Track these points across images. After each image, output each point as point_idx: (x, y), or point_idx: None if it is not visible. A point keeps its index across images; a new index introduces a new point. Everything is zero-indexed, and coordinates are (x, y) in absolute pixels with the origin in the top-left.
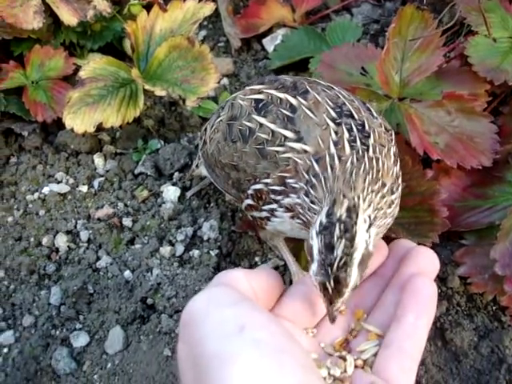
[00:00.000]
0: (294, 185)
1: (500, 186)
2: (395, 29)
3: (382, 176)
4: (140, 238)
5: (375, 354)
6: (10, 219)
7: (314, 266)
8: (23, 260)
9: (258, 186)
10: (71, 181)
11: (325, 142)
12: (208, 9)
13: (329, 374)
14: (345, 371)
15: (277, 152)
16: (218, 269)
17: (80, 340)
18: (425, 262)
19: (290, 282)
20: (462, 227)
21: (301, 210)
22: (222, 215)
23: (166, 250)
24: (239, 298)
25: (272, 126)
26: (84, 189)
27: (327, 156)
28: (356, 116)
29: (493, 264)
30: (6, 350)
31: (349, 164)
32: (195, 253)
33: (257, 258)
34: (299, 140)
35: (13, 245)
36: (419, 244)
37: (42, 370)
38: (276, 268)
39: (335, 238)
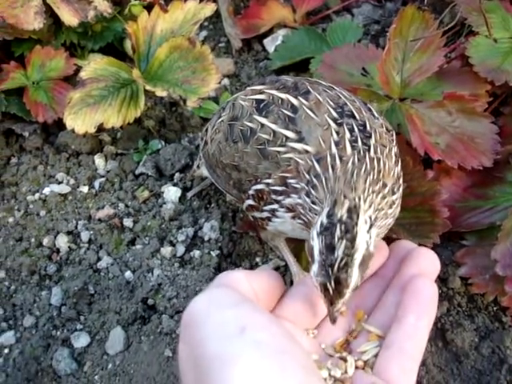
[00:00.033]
0: (295, 185)
1: (501, 187)
2: (396, 29)
3: (383, 176)
4: (141, 238)
5: (376, 355)
6: (10, 220)
7: (314, 267)
8: (24, 260)
9: (259, 187)
10: (72, 181)
11: (326, 143)
12: (209, 9)
13: (329, 374)
14: (345, 372)
15: (278, 152)
16: (218, 269)
17: (81, 340)
18: (425, 262)
19: (291, 283)
20: (463, 228)
21: (302, 211)
22: (222, 216)
23: (166, 250)
24: (240, 299)
25: (273, 127)
26: (85, 189)
27: (328, 156)
28: (357, 116)
29: (493, 264)
30: (6, 351)
31: (350, 164)
32: (196, 253)
33: (258, 259)
34: (300, 140)
35: (13, 245)
36: (420, 244)
37: (42, 371)
38: (277, 268)
39: (336, 239)
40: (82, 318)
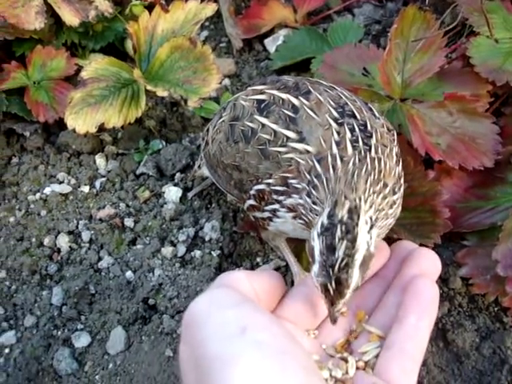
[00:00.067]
0: (296, 185)
1: (502, 187)
2: (397, 29)
3: (384, 176)
4: (142, 238)
5: (377, 356)
6: (11, 219)
7: (315, 267)
8: (25, 260)
9: (260, 187)
10: (73, 181)
11: (327, 143)
12: (210, 9)
13: (330, 375)
14: (346, 373)
15: (279, 152)
16: (219, 269)
17: (81, 340)
18: (427, 263)
19: (292, 283)
20: (464, 228)
21: (303, 211)
22: (223, 216)
23: (167, 250)
24: (241, 299)
25: (274, 127)
26: (86, 189)
27: (329, 156)
28: (358, 116)
29: (495, 265)
30: (7, 351)
31: (351, 165)
32: (197, 253)
33: (258, 259)
34: (301, 140)
35: (14, 245)
36: (421, 245)
37: (43, 371)
38: (277, 269)
39: (337, 240)
40: (82, 317)
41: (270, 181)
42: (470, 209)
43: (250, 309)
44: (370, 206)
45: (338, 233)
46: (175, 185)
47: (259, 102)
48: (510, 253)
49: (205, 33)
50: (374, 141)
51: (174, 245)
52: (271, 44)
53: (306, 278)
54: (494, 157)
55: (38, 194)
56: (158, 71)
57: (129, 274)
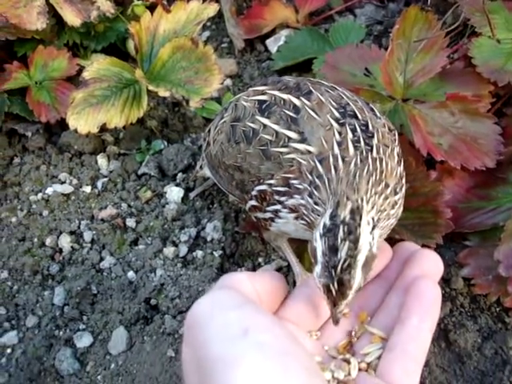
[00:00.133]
0: (297, 186)
1: (504, 188)
2: (399, 30)
3: (386, 177)
4: (143, 238)
5: (379, 357)
6: (13, 220)
7: (317, 268)
8: (27, 260)
9: (261, 187)
10: (75, 181)
11: (328, 143)
12: (211, 10)
13: (333, 376)
14: (349, 374)
15: (280, 153)
16: (221, 269)
17: (83, 340)
18: (429, 264)
19: (294, 283)
20: (466, 228)
21: (305, 211)
22: (225, 216)
23: (169, 250)
24: (243, 300)
25: (275, 127)
26: (87, 189)
27: (331, 157)
28: (359, 116)
29: (497, 265)
30: (9, 351)
31: (352, 166)
32: (199, 253)
33: (260, 259)
34: (303, 141)
35: (16, 245)
36: (423, 245)
37: (45, 371)
38: (279, 269)
39: (339, 240)
40: (84, 317)
41: (272, 181)
42: (471, 209)
43: (252, 310)
44: (372, 207)
45: (341, 233)
46: (177, 185)
47: (260, 102)
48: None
49: (206, 33)
50: (375, 141)
51: (175, 245)
52: (273, 44)
53: (308, 279)
54: (496, 157)
55: (39, 194)
56: (160, 71)
57: (131, 274)
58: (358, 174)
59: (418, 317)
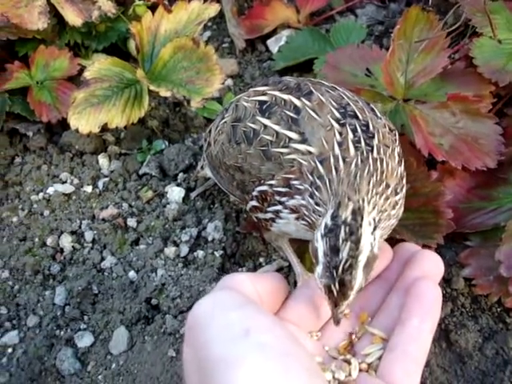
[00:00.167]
0: (298, 186)
1: (505, 188)
2: (400, 30)
3: (386, 177)
4: (144, 238)
5: (380, 358)
6: (14, 219)
7: (319, 269)
8: (28, 260)
9: (262, 188)
10: (76, 181)
11: (329, 143)
12: (213, 10)
13: (333, 377)
14: (349, 375)
15: (281, 153)
16: (222, 269)
17: (84, 340)
18: (429, 265)
19: (295, 283)
20: (467, 229)
21: (305, 212)
22: (226, 216)
23: (170, 250)
24: (244, 301)
25: (276, 128)
26: (88, 189)
27: (331, 157)
28: (360, 116)
29: (498, 265)
30: (10, 350)
31: (353, 166)
32: (200, 253)
33: (261, 259)
34: (303, 141)
35: (17, 245)
36: (424, 245)
37: (46, 371)
38: (280, 269)
39: (340, 241)
40: (85, 317)
41: (273, 182)
42: (472, 209)
43: (253, 311)
44: (373, 207)
45: (342, 234)
46: (178, 185)
47: (261, 103)
48: None
49: (207, 33)
50: (376, 141)
51: (176, 245)
52: (274, 44)
53: (308, 280)
54: (497, 157)
55: (40, 194)
56: (161, 71)
57: (132, 273)
58: (358, 175)
59: (418, 318)
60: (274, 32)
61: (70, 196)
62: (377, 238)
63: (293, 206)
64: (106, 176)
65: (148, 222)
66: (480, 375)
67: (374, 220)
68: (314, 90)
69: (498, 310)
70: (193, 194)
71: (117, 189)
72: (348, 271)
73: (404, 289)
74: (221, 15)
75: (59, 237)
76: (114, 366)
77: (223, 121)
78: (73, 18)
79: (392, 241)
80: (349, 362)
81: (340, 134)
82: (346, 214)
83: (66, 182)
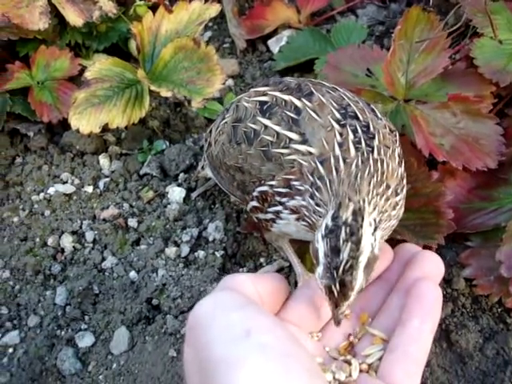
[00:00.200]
0: (298, 187)
1: (505, 188)
2: (401, 30)
3: (387, 178)
4: (145, 238)
5: (380, 358)
6: (15, 219)
7: (319, 269)
8: (29, 260)
9: (262, 188)
10: (77, 181)
11: (329, 144)
12: (213, 10)
13: (334, 378)
14: (350, 375)
15: (282, 154)
16: (223, 270)
17: (85, 340)
18: (430, 266)
19: (296, 284)
20: (468, 229)
21: (306, 213)
22: (227, 216)
23: (171, 250)
24: (245, 302)
25: (277, 128)
26: (89, 189)
27: (332, 158)
28: (361, 117)
29: (498, 266)
30: (11, 350)
31: (353, 167)
32: (200, 254)
33: (262, 259)
34: (304, 142)
35: (18, 245)
36: (424, 246)
37: (47, 371)
38: (281, 269)
39: (341, 241)
40: (86, 317)
41: (273, 182)
42: (473, 210)
43: (254, 311)
44: (374, 208)
45: (343, 235)
46: (179, 185)
47: (262, 103)
48: None
49: (208, 33)
50: (376, 142)
51: (177, 245)
52: (274, 45)
53: (309, 280)
54: (498, 158)
55: (41, 194)
56: (162, 72)
57: (132, 274)
58: (359, 176)
59: (418, 318)
60: (274, 32)
61: (70, 196)
62: (377, 238)
63: (293, 206)
64: (106, 176)
65: (149, 222)
66: (481, 375)
67: (375, 221)
68: (314, 91)
69: (499, 310)
70: (193, 195)
71: (117, 189)
72: (349, 272)
73: (404, 289)
74: (221, 15)
75: (60, 237)
76: (114, 366)
77: (224, 121)
78: (74, 18)
79: (393, 241)
80: (349, 363)
81: (340, 134)
82: (347, 214)
83: (66, 182)
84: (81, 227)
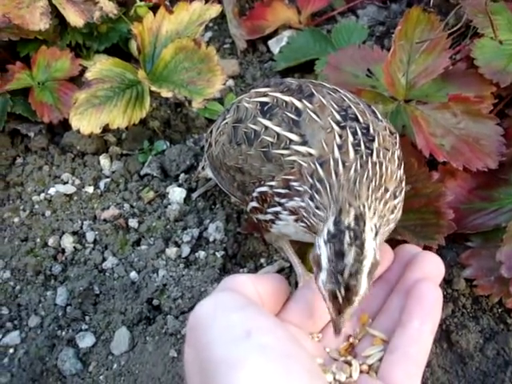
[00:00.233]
0: (297, 188)
1: (506, 189)
2: (401, 31)
3: (385, 181)
4: (146, 239)
5: (380, 359)
6: (16, 220)
7: (323, 275)
8: (29, 261)
9: (262, 189)
10: (77, 182)
11: (329, 146)
12: (214, 10)
13: (334, 378)
14: (350, 376)
15: (282, 155)
16: (223, 270)
17: (86, 341)
18: (430, 267)
19: (296, 284)
20: (468, 229)
21: (305, 214)
22: (227, 217)
23: (171, 251)
24: (245, 302)
25: (277, 129)
26: (90, 190)
27: (331, 160)
28: (361, 119)
29: (499, 266)
30: (11, 351)
31: (352, 172)
32: (201, 254)
33: (262, 260)
34: (304, 143)
35: (19, 245)
36: (425, 246)
37: (47, 371)
38: (282, 270)
39: (345, 245)
40: (87, 318)
41: (273, 183)
42: (474, 210)
43: (254, 312)
44: (374, 213)
45: (347, 239)
46: (179, 185)
47: (262, 104)
48: None
49: (209, 34)
50: (376, 144)
51: (178, 245)
52: (275, 45)
53: (310, 281)
54: (498, 158)
55: (42, 195)
56: (163, 72)
57: (133, 274)
58: (358, 181)
59: (419, 319)
60: (275, 33)
61: (71, 196)
62: (378, 244)
63: (292, 207)
64: (107, 177)
65: (149, 222)
66: (481, 376)
67: (376, 226)
68: (315, 92)
69: (499, 310)
70: (194, 195)
71: (118, 189)
72: (354, 276)
73: (405, 290)
74: (222, 16)
75: (61, 237)
76: (115, 366)
77: (224, 122)
78: (74, 18)
79: (393, 242)
80: (349, 364)
81: (340, 136)
82: (349, 219)
83: (67, 182)
84: (81, 227)
